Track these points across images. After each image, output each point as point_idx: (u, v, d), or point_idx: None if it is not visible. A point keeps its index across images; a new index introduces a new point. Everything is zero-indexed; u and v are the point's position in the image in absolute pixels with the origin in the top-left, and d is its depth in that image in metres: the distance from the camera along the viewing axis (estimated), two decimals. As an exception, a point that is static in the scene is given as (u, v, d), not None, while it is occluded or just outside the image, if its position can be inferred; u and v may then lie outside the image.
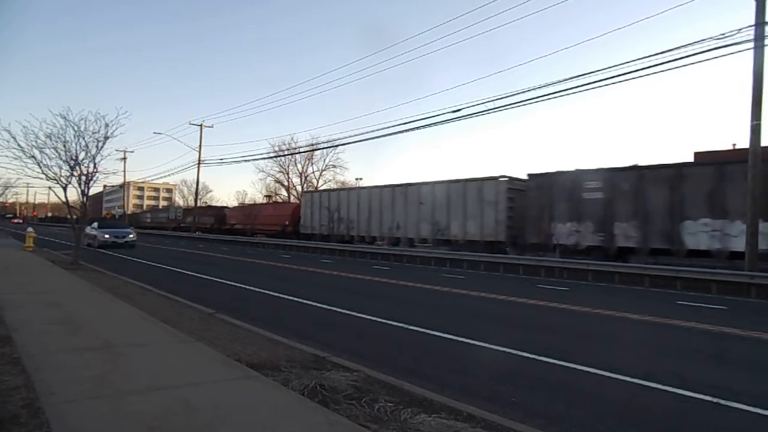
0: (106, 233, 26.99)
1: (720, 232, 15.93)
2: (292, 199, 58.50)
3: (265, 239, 34.19)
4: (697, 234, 16.34)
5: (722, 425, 4.44)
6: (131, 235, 27.81)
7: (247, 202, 66.14)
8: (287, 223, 35.45)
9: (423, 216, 24.80)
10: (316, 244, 29.36)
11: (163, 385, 4.37)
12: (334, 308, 9.64)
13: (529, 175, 21.28)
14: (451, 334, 7.51)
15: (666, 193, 17.00)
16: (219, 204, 66.40)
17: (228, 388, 4.38)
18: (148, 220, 63.42)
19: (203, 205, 58.76)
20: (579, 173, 19.50)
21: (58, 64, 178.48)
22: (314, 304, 10.11)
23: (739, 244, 15.12)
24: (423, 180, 25.54)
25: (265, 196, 57.18)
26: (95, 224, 28.54)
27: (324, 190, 36.96)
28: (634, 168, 18.12)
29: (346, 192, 31.31)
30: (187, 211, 53.25)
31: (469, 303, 11.47)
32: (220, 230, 43.19)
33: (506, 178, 22.21)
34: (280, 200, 57.01)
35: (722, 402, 4.78)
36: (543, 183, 20.33)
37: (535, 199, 20.65)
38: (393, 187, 26.99)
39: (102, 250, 24.45)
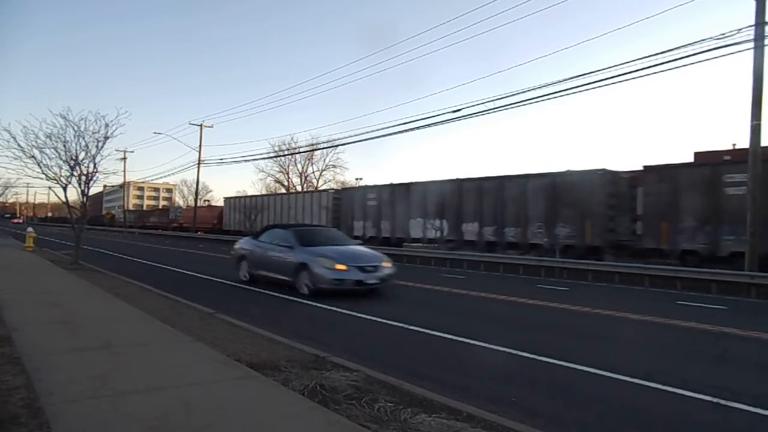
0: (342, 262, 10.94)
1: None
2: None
3: (204, 235, 42.94)
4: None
5: (722, 425, 4.44)
6: (386, 267, 11.59)
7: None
8: (216, 222, 45.63)
9: (306, 218, 32.23)
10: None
11: (163, 385, 4.37)
12: (334, 308, 9.64)
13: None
14: (451, 334, 7.51)
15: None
16: (218, 204, 67.21)
17: (228, 388, 4.38)
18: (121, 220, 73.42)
19: (162, 207, 70.41)
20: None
21: (58, 63, 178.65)
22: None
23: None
24: (328, 188, 35.69)
25: (204, 200, 66.23)
26: (293, 236, 12.15)
27: (241, 197, 45.01)
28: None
29: (256, 198, 40.67)
30: (150, 212, 65.96)
31: (468, 303, 11.47)
32: (175, 228, 52.30)
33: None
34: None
35: (722, 402, 4.78)
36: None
37: None
38: (289, 194, 37.67)
39: (101, 250, 24.37)
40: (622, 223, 19.24)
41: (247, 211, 37.11)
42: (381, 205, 27.39)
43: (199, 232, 44.82)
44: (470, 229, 22.76)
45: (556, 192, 20.01)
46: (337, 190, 35.28)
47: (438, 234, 23.99)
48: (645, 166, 18.43)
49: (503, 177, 22.06)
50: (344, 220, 29.36)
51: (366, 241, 23.16)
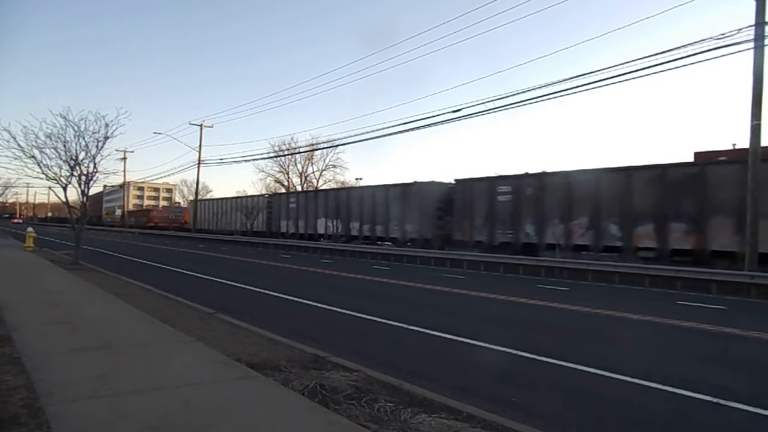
0: None
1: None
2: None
3: (174, 233, 49.09)
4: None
5: (722, 425, 4.44)
6: None
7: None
8: (185, 221, 53.86)
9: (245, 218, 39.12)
10: (205, 236, 42.70)
11: (163, 385, 4.37)
12: (334, 308, 9.65)
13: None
14: (451, 334, 7.51)
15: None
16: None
17: (228, 388, 4.38)
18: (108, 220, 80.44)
19: (144, 208, 78.97)
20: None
21: (58, 65, 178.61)
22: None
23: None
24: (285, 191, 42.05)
25: (174, 202, 72.39)
26: None
27: (207, 199, 52.20)
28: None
29: (213, 201, 48.73)
30: (130, 212, 74.54)
31: (468, 303, 11.47)
32: (150, 227, 58.88)
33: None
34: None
35: (722, 402, 4.78)
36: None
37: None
38: (235, 198, 43.58)
39: (101, 250, 24.38)
40: (447, 222, 24.77)
41: (209, 213, 46.12)
42: (298, 208, 34.86)
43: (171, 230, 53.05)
44: (356, 226, 29.48)
45: (407, 198, 26.08)
46: (270, 195, 42.48)
47: (335, 231, 30.90)
48: (456, 180, 24.30)
49: (374, 186, 29.87)
50: (275, 220, 37.10)
51: (290, 236, 34.41)
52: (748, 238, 14.44)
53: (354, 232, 29.60)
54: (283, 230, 35.71)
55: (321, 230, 32.31)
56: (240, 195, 47.78)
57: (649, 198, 17.21)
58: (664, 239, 16.85)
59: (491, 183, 22.26)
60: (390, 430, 3.65)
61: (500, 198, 21.57)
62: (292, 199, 36.48)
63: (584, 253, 18.71)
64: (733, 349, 7.36)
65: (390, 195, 27.08)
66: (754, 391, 5.19)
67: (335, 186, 57.44)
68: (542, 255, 19.50)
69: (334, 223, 31.14)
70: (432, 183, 25.76)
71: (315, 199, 33.77)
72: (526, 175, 21.69)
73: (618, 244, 17.92)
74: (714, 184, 15.92)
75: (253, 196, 42.67)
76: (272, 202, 38.38)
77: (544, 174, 20.97)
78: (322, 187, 57.41)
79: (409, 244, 25.58)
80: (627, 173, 17.92)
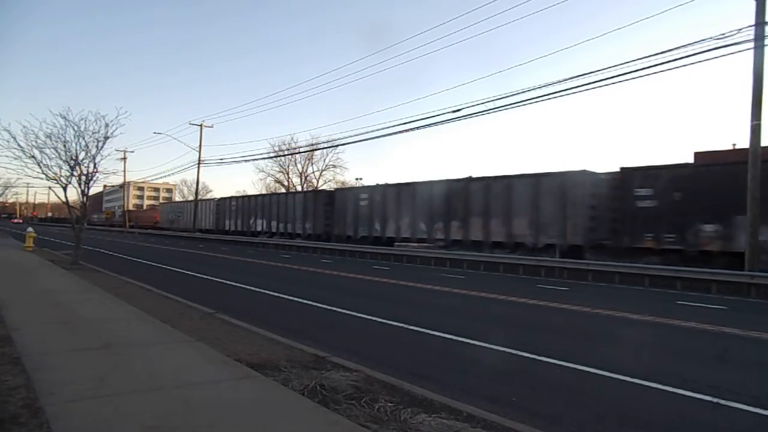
0: None
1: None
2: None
3: (176, 233, 50.75)
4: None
5: (722, 425, 4.44)
6: None
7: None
8: (157, 220, 59.97)
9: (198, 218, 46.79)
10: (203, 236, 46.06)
11: (163, 385, 4.37)
12: (334, 308, 9.64)
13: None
14: (451, 334, 7.51)
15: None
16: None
17: (228, 388, 4.38)
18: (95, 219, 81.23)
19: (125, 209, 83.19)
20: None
21: (59, 64, 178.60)
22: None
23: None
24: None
25: (148, 205, 78.06)
26: None
27: (172, 202, 62.28)
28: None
29: (178, 203, 58.76)
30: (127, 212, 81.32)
31: (469, 303, 11.47)
32: (132, 226, 64.61)
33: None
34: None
35: (722, 402, 4.78)
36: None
37: None
38: (194, 201, 49.49)
39: (101, 250, 24.38)
40: (331, 220, 31.38)
41: (172, 214, 53.82)
42: (238, 209, 41.46)
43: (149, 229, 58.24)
44: (280, 224, 35.74)
45: (304, 203, 33.92)
46: (220, 198, 47.51)
47: (266, 229, 37.06)
48: (336, 189, 34.95)
49: (279, 194, 41.76)
50: (221, 219, 43.54)
51: (231, 233, 41.09)
52: (749, 238, 14.43)
53: (260, 228, 37.59)
54: (228, 228, 42.55)
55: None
56: (200, 199, 52.55)
57: (439, 204, 24.15)
58: (448, 233, 23.76)
59: (355, 192, 30.23)
60: (390, 430, 3.65)
61: (361, 203, 28.51)
62: (234, 203, 42.74)
63: (406, 244, 25.92)
64: (733, 349, 7.36)
65: (297, 199, 35.31)
66: (755, 392, 5.19)
67: (335, 186, 57.48)
68: (385, 246, 25.83)
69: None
70: (321, 191, 37.48)
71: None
72: (377, 186, 29.50)
73: (425, 236, 24.96)
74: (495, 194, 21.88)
75: (202, 200, 48.74)
76: (219, 205, 44.73)
77: (387, 185, 28.24)
78: (322, 187, 57.58)
79: (302, 234, 33.65)
80: (431, 185, 24.97)
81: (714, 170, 16.32)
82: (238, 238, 37.46)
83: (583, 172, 19.84)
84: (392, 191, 26.93)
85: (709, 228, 15.69)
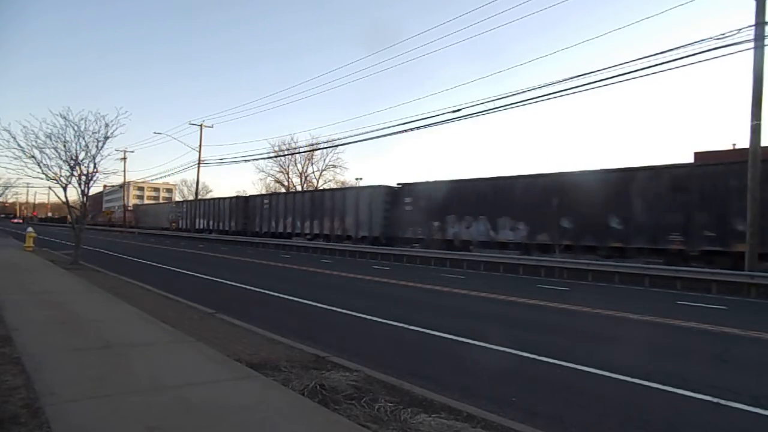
0: None
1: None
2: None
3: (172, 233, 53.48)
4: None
5: (722, 425, 4.44)
6: None
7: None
8: (132, 221, 65.14)
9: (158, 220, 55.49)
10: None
11: (163, 385, 4.37)
12: (334, 308, 9.64)
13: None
14: (451, 334, 7.51)
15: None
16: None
17: (228, 388, 4.38)
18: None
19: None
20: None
21: (58, 62, 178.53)
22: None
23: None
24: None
25: (128, 207, 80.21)
26: None
27: (145, 204, 68.84)
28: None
29: (148, 205, 67.77)
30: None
31: (469, 303, 11.47)
32: (111, 225, 69.57)
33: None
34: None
35: (722, 402, 4.78)
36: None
37: None
38: (159, 203, 62.08)
39: (101, 250, 24.38)
40: (250, 219, 39.50)
41: (141, 215, 62.70)
42: (193, 210, 47.96)
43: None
44: (248, 223, 40.25)
45: (230, 206, 41.91)
46: (177, 202, 54.33)
47: (227, 227, 41.90)
48: (249, 195, 42.41)
49: (213, 198, 48.89)
50: (190, 220, 47.85)
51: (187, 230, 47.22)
52: (748, 238, 14.43)
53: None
54: (199, 227, 46.90)
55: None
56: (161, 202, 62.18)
57: (307, 209, 33.09)
58: (312, 229, 32.35)
59: (261, 198, 39.71)
60: (390, 430, 3.65)
61: (264, 206, 37.54)
62: (182, 207, 51.37)
63: (292, 238, 33.40)
64: (733, 349, 7.36)
65: (225, 203, 42.88)
66: (755, 392, 5.19)
67: (335, 186, 57.57)
68: (279, 238, 33.82)
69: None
70: (240, 197, 42.90)
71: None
72: (274, 193, 41.41)
73: (299, 231, 33.34)
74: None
75: (163, 203, 59.03)
76: (183, 207, 51.23)
77: (277, 194, 40.10)
78: (322, 187, 57.70)
79: (228, 230, 41.21)
80: (302, 195, 35.28)
81: (439, 185, 24.67)
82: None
83: (380, 186, 28.13)
84: (282, 198, 37.07)
85: (435, 224, 24.24)
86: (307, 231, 32.68)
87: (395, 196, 26.88)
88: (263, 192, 60.60)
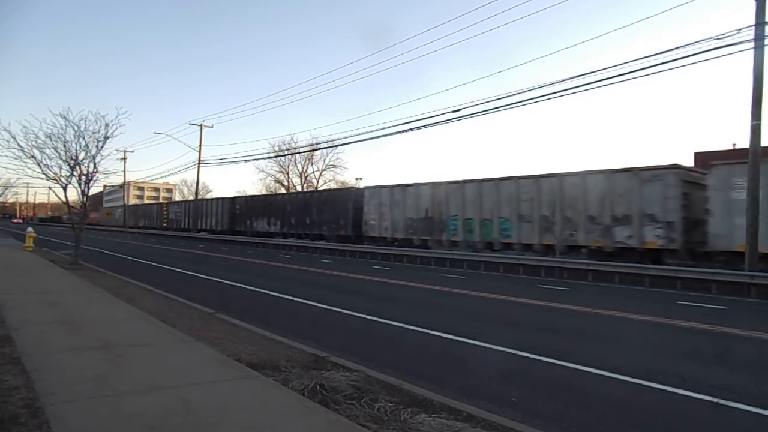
0: None
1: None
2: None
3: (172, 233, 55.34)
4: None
5: (722, 425, 4.44)
6: None
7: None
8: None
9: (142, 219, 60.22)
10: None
11: (163, 385, 4.37)
12: (334, 308, 9.64)
13: None
14: (451, 334, 7.51)
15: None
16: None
17: (228, 388, 4.38)
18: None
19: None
20: None
21: (58, 64, 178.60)
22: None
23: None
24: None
25: (107, 211, 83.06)
26: None
27: (114, 206, 71.31)
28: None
29: (133, 206, 69.70)
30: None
31: (469, 303, 11.47)
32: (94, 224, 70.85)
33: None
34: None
35: (722, 402, 4.78)
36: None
37: None
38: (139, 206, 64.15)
39: (101, 250, 24.36)
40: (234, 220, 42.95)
41: (120, 215, 64.89)
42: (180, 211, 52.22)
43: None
44: (240, 223, 42.44)
45: (217, 207, 44.35)
46: (159, 203, 57.08)
47: (215, 227, 44.11)
48: (235, 196, 46.12)
49: (194, 200, 50.82)
50: (173, 220, 52.13)
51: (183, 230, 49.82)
52: (748, 238, 14.42)
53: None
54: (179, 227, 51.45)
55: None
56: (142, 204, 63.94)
57: (254, 210, 39.25)
58: (264, 225, 37.70)
59: (218, 201, 44.60)
60: (390, 430, 3.65)
61: (237, 209, 41.49)
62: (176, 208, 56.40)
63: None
64: (733, 349, 7.36)
65: (214, 204, 45.31)
66: (755, 392, 5.19)
67: (335, 186, 57.56)
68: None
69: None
70: (226, 198, 44.26)
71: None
72: (237, 197, 44.18)
73: (260, 230, 37.82)
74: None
75: (149, 204, 62.01)
76: (168, 209, 54.19)
77: (238, 198, 43.94)
78: (322, 187, 57.67)
79: (214, 229, 43.91)
80: (253, 199, 41.82)
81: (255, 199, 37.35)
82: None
83: (226, 198, 42.89)
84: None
85: (262, 225, 36.88)
86: (308, 231, 33.22)
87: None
88: (263, 192, 60.97)
